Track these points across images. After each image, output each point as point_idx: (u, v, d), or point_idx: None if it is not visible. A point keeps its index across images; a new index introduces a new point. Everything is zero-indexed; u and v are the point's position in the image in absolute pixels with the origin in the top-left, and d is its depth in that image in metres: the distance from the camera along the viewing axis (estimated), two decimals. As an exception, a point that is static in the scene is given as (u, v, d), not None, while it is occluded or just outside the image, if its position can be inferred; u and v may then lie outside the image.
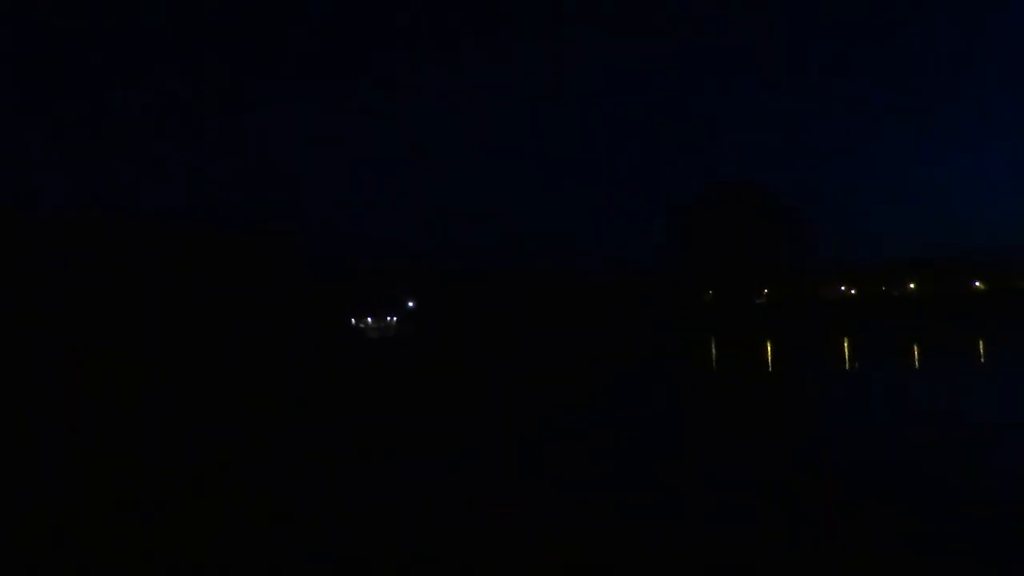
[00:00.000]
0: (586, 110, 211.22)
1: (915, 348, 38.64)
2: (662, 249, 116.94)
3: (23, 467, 13.68)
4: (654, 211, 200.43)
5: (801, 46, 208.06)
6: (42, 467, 13.62)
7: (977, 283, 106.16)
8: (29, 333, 54.49)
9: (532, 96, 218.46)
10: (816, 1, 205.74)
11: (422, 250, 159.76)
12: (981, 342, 40.06)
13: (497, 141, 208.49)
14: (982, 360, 31.82)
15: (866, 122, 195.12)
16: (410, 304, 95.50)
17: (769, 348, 44.59)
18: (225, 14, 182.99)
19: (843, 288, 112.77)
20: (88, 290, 66.87)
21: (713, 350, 45.23)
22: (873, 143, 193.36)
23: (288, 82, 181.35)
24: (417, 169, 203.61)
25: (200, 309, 71.57)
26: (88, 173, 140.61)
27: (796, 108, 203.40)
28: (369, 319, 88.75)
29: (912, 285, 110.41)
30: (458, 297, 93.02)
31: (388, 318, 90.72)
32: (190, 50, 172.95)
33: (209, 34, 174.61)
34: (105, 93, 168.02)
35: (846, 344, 44.07)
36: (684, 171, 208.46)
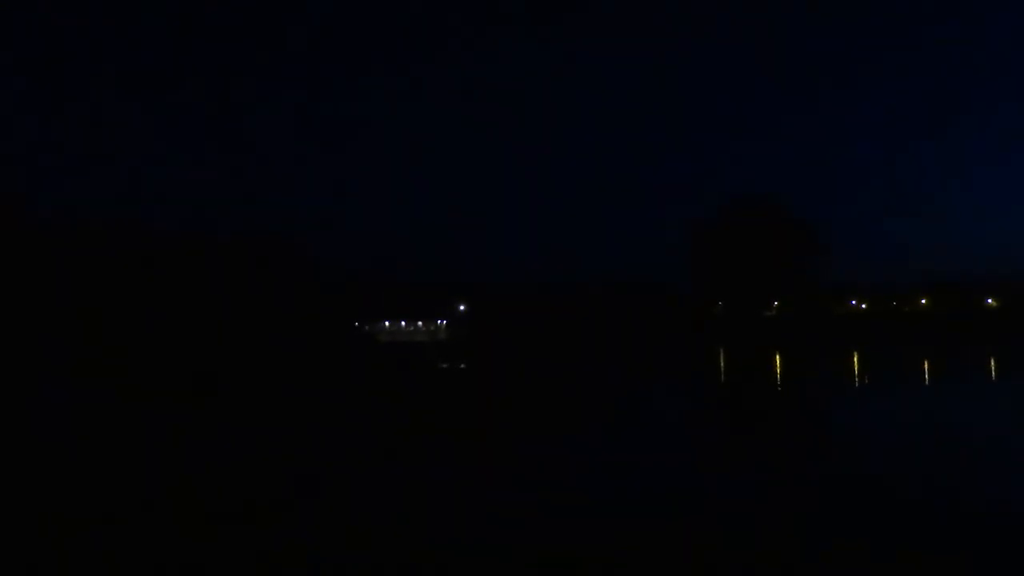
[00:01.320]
0: (598, 121, 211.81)
1: (912, 364, 38.24)
2: (673, 263, 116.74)
3: (26, 471, 13.44)
4: (666, 224, 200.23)
5: (818, 61, 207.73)
6: (49, 472, 13.39)
7: (990, 300, 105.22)
8: (35, 338, 54.46)
9: (543, 106, 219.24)
10: (835, 17, 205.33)
11: (429, 259, 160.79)
12: (992, 359, 39.65)
13: (504, 150, 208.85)
14: (983, 376, 31.39)
15: (880, 135, 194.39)
16: (461, 308, 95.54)
17: (776, 362, 44.26)
18: (227, 15, 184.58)
19: (853, 303, 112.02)
20: (99, 294, 66.92)
21: (723, 363, 45.00)
22: (889, 157, 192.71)
23: (295, 83, 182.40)
24: (424, 179, 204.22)
25: (214, 314, 71.55)
26: (102, 176, 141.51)
27: (813, 123, 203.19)
28: (386, 323, 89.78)
29: (924, 300, 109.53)
30: (496, 306, 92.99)
31: (438, 321, 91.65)
32: (220, 58, 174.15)
33: (225, 37, 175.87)
34: (113, 96, 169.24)
35: (853, 359, 43.70)
36: (699, 185, 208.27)
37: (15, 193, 74.51)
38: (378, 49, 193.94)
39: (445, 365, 47.80)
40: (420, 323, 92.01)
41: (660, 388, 31.20)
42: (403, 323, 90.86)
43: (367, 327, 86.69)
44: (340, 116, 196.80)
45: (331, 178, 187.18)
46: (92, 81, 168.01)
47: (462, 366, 47.03)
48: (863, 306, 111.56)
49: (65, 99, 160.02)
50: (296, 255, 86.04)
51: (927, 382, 30.34)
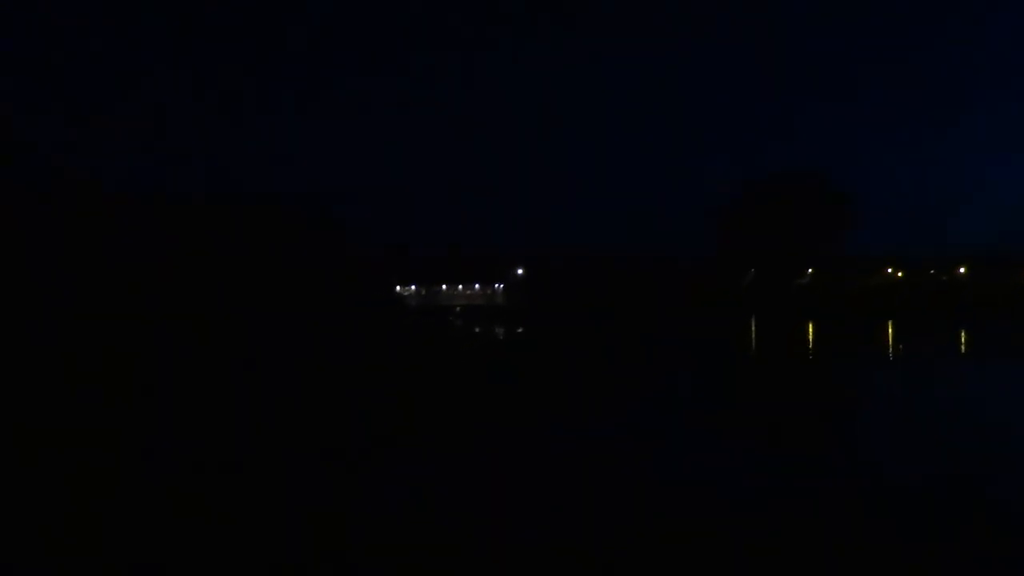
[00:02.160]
0: (622, 101, 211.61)
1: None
2: (702, 238, 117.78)
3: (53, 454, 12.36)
4: (694, 200, 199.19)
5: (856, 34, 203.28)
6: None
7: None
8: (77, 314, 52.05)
9: (568, 85, 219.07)
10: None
11: (482, 233, 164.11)
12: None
13: (529, 126, 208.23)
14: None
15: (925, 113, 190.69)
16: (518, 272, 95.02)
17: (809, 332, 46.39)
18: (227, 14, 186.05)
19: (890, 270, 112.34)
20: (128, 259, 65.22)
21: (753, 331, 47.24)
22: (932, 134, 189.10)
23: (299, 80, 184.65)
24: (448, 157, 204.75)
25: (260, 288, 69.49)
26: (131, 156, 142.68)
27: (853, 97, 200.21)
28: (443, 287, 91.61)
29: (962, 269, 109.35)
30: (549, 273, 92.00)
31: (495, 286, 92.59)
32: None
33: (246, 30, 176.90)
34: (143, 77, 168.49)
35: (886, 329, 45.54)
36: (731, 160, 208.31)
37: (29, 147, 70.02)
38: (422, 31, 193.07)
39: (501, 330, 51.03)
40: (477, 286, 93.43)
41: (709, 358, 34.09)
42: (460, 287, 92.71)
43: (423, 291, 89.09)
44: (397, 95, 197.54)
45: (380, 153, 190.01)
46: (121, 38, 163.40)
47: (519, 330, 49.83)
48: (899, 274, 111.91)
49: (91, 54, 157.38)
50: (349, 223, 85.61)
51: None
